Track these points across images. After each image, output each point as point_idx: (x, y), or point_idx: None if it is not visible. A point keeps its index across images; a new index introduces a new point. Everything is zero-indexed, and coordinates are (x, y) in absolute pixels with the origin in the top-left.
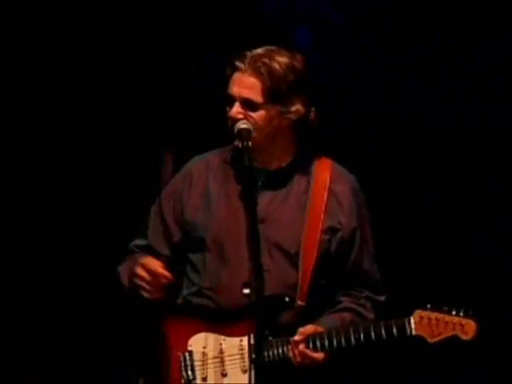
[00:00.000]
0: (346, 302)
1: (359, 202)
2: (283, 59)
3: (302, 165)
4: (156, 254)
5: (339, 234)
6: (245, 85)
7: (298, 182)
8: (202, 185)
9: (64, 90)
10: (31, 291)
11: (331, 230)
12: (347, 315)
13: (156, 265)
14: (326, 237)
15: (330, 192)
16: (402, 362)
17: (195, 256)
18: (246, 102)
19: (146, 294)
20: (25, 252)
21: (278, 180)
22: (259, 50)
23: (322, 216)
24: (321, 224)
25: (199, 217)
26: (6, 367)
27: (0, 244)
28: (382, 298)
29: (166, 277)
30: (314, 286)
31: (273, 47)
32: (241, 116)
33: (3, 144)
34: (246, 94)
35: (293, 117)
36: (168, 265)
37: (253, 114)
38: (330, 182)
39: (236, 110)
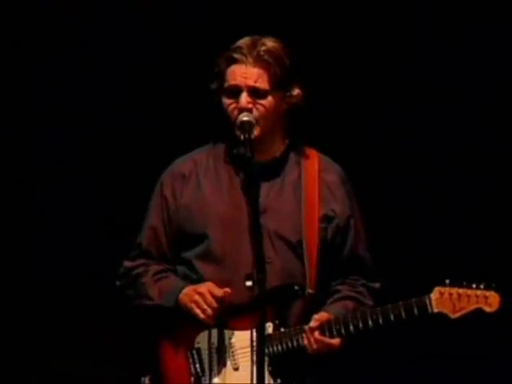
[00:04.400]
0: (344, 290)
1: (349, 191)
2: (275, 44)
3: (292, 154)
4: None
5: (334, 222)
6: (250, 75)
7: (290, 170)
8: (194, 182)
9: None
10: (37, 288)
11: (327, 218)
12: (349, 303)
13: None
14: (323, 225)
15: (321, 181)
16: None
17: (192, 254)
18: (253, 91)
19: (202, 315)
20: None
21: (273, 170)
22: (249, 40)
23: (317, 204)
24: (317, 212)
25: (195, 214)
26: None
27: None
28: (377, 285)
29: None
30: (319, 274)
31: (256, 36)
32: (251, 105)
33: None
34: (254, 83)
35: (294, 100)
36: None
37: (262, 102)
38: (320, 171)
39: (245, 99)
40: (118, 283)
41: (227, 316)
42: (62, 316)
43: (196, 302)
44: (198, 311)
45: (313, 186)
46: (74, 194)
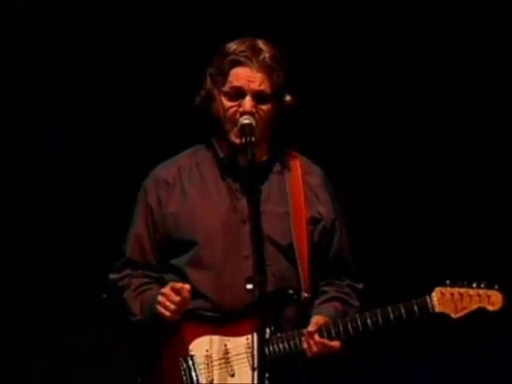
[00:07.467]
0: (331, 291)
1: (331, 193)
2: (272, 48)
3: (277, 157)
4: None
5: (321, 225)
6: (254, 79)
7: (276, 174)
8: (179, 190)
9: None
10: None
11: (314, 221)
12: (337, 304)
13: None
14: (311, 227)
15: (305, 184)
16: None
17: (183, 261)
18: (257, 95)
19: (167, 313)
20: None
21: (261, 174)
22: (247, 44)
23: (303, 207)
24: (304, 215)
25: (184, 222)
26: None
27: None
28: (361, 286)
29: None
30: (312, 276)
31: (249, 38)
32: (254, 110)
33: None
34: (258, 86)
35: (285, 105)
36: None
37: (263, 107)
38: (303, 174)
39: (250, 103)
40: (104, 296)
41: (223, 322)
42: (62, 316)
43: (160, 303)
44: (162, 310)
45: (298, 189)
46: (74, 194)
